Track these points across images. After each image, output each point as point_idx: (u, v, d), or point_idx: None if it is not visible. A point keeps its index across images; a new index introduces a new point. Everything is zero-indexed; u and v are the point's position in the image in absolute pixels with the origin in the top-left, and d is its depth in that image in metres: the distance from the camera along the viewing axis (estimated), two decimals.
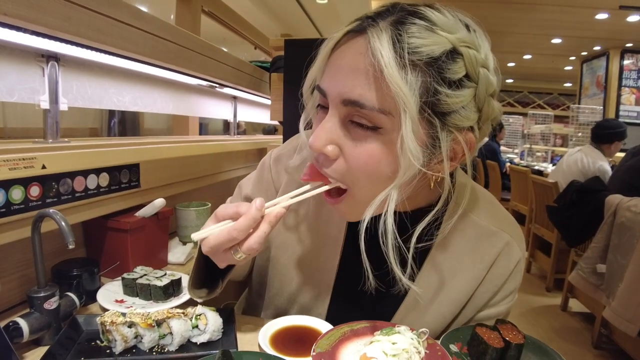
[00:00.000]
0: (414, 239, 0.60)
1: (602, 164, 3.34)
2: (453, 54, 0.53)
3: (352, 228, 0.76)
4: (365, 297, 0.77)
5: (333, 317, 0.78)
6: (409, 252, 0.60)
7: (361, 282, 0.73)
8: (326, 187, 0.64)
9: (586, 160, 3.40)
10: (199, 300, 0.79)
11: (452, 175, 0.69)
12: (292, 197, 0.65)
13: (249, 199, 0.85)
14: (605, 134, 3.41)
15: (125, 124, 5.51)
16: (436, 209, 0.62)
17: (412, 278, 0.63)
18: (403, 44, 0.52)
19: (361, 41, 0.56)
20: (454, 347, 0.71)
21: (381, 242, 0.58)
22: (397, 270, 0.60)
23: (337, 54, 0.59)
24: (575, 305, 3.11)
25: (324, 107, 0.62)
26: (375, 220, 0.61)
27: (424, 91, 0.53)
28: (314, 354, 0.63)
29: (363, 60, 0.54)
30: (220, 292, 0.78)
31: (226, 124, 2.65)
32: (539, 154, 6.49)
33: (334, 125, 0.59)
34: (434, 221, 0.63)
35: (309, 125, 0.72)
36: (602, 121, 3.66)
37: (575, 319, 3.02)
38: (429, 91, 0.53)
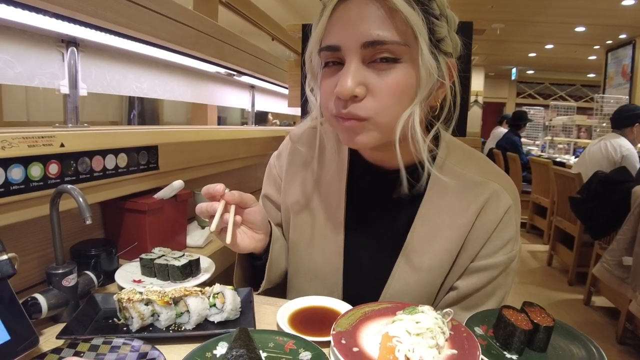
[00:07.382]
0: (425, 151, 0.69)
1: (627, 148, 3.22)
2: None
3: (349, 197, 0.84)
4: (370, 253, 0.83)
5: (347, 272, 0.83)
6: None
7: (365, 238, 0.83)
8: None
9: (610, 146, 3.29)
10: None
11: (437, 136, 0.79)
12: None
13: (268, 198, 0.97)
14: (626, 116, 3.30)
15: (145, 116, 5.58)
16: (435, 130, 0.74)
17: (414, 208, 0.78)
18: None
19: None
20: (479, 330, 0.69)
21: (410, 137, 0.67)
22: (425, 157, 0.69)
23: (339, 13, 0.67)
24: (598, 299, 3.04)
25: (334, 64, 0.69)
26: (374, 178, 0.79)
27: (425, 21, 0.65)
28: (334, 333, 0.61)
29: (368, 8, 0.64)
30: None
31: (244, 118, 2.65)
32: (560, 146, 6.34)
33: (357, 67, 0.65)
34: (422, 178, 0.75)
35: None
36: (619, 107, 3.51)
37: (599, 314, 2.95)
38: (428, 21, 0.66)
